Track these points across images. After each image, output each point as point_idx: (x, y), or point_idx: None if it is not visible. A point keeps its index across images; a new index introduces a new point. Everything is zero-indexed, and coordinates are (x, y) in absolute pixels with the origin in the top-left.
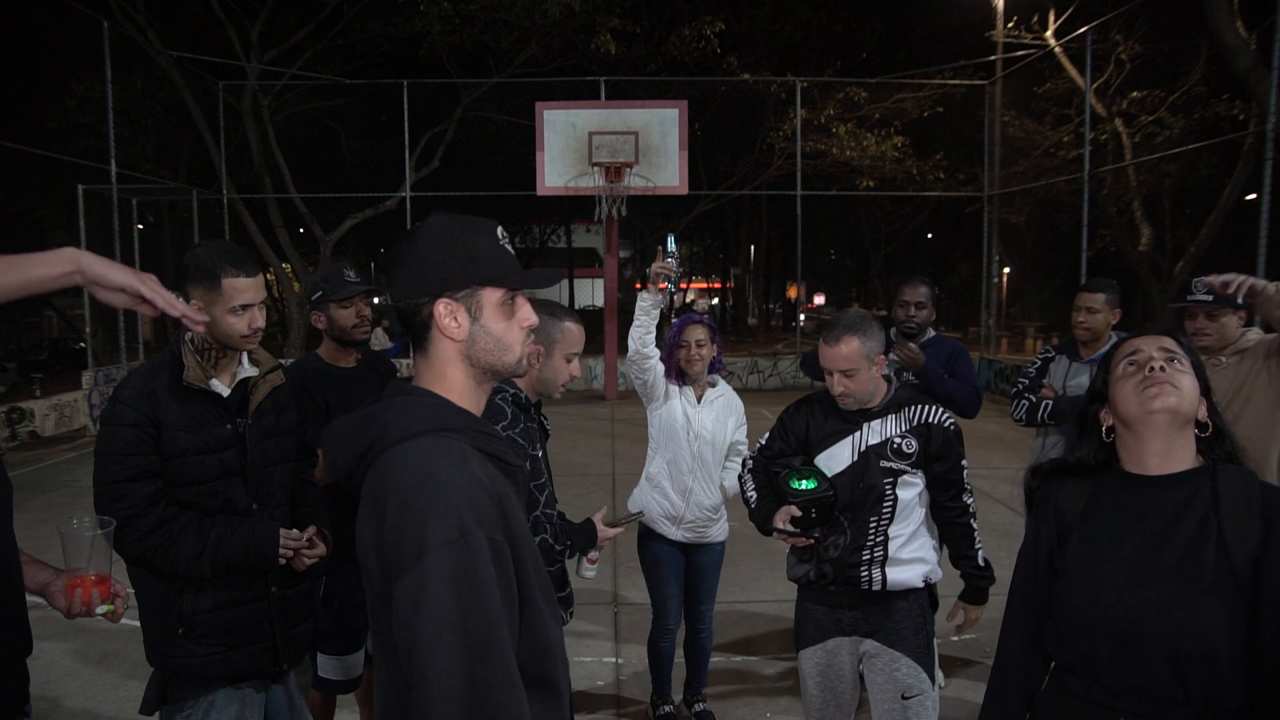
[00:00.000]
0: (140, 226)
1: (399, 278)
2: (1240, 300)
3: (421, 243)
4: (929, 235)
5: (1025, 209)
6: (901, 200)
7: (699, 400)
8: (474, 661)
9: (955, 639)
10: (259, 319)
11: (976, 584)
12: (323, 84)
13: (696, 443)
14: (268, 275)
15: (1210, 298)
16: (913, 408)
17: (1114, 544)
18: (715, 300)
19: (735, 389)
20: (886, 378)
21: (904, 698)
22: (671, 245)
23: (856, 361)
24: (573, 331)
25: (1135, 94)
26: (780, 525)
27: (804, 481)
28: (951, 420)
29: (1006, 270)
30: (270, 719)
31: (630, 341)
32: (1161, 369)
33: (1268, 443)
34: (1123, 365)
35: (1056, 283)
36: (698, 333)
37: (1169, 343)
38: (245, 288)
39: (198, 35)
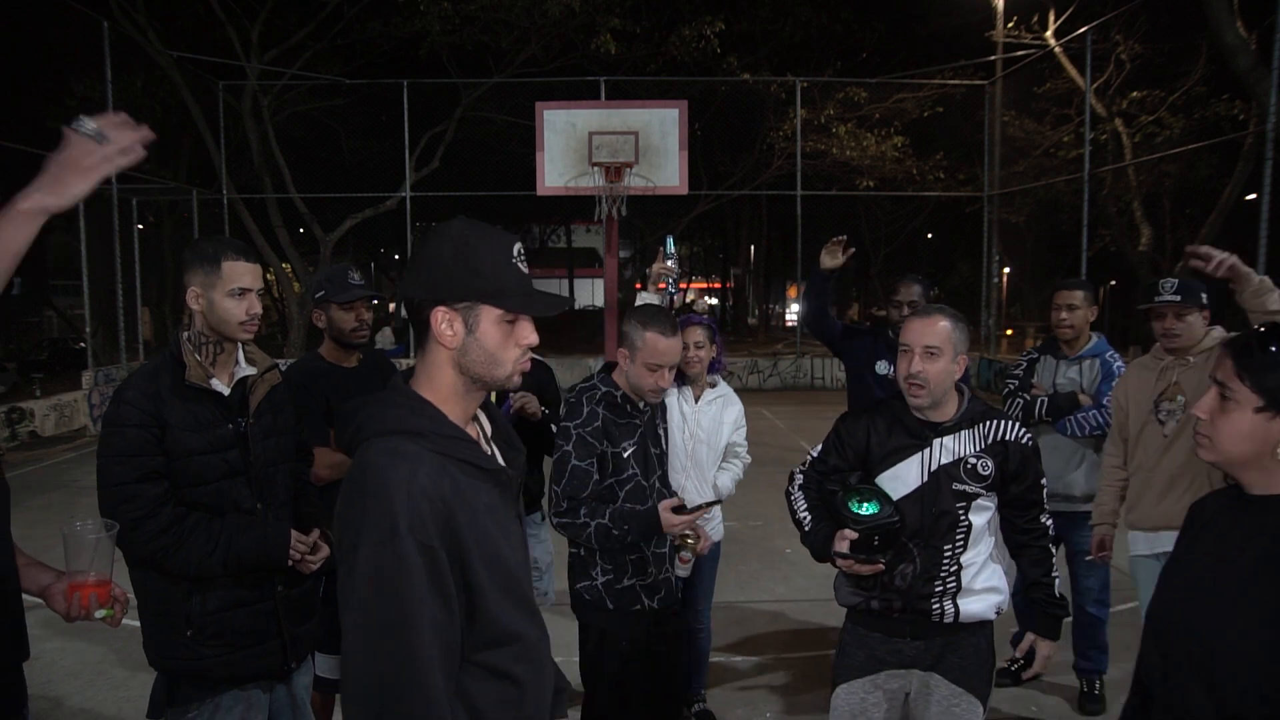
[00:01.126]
0: (140, 226)
1: (410, 274)
2: (1220, 275)
3: (434, 245)
4: (929, 235)
5: (1025, 209)
6: (901, 200)
7: (697, 400)
8: (382, 659)
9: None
10: (257, 305)
11: (1053, 614)
12: (323, 84)
13: (691, 442)
14: (267, 275)
15: (1179, 297)
16: (988, 423)
17: (1193, 561)
18: (714, 300)
19: (735, 389)
20: (959, 389)
21: None
22: (670, 247)
23: (943, 343)
24: (653, 341)
25: (1135, 94)
26: (842, 550)
27: (865, 505)
28: (1029, 436)
29: (1006, 270)
30: (274, 719)
31: None
32: (1202, 420)
33: None
34: None
35: (1056, 283)
36: (696, 334)
37: (1225, 372)
38: (244, 271)
39: (198, 35)
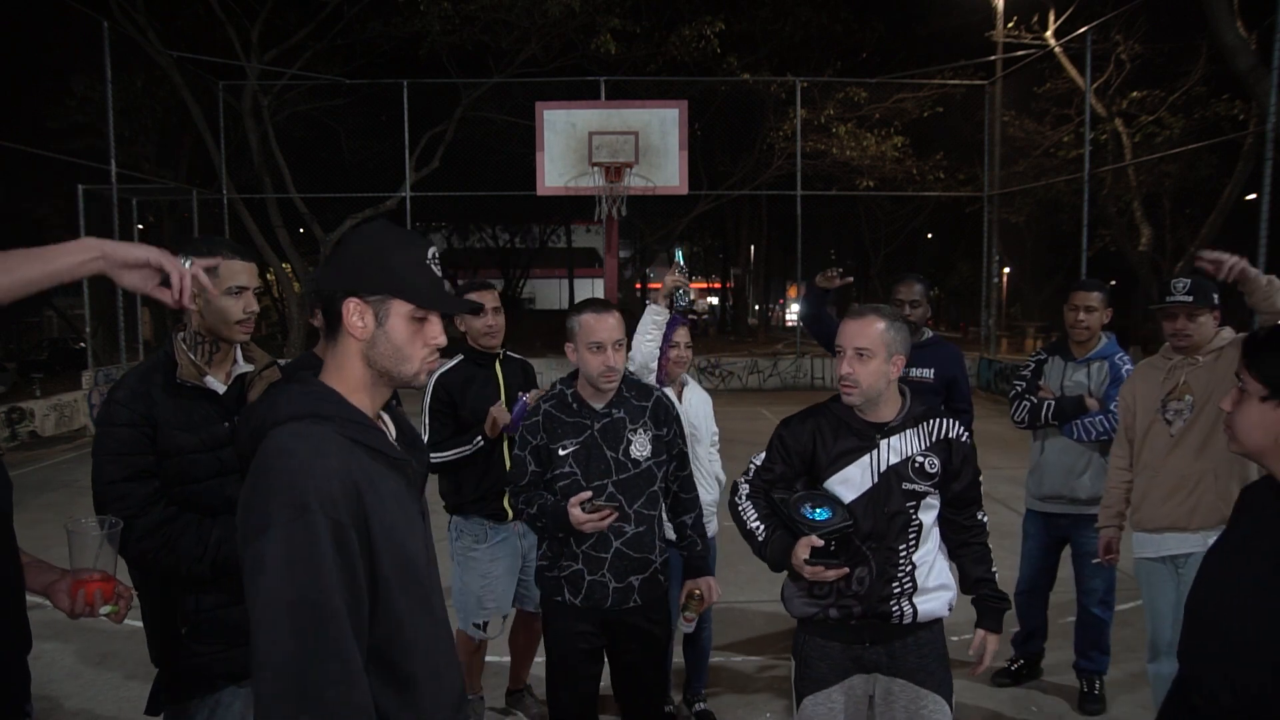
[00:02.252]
0: (140, 226)
1: (326, 266)
2: (1230, 280)
3: (352, 241)
4: (929, 235)
5: (1025, 209)
6: (901, 200)
7: (680, 398)
8: (301, 634)
9: (955, 639)
10: (253, 303)
11: (997, 608)
12: (323, 84)
13: (689, 443)
14: (268, 275)
15: (1190, 298)
16: (931, 422)
17: (1227, 551)
18: (714, 300)
19: (735, 389)
20: (901, 390)
21: None
22: (679, 258)
23: (875, 345)
24: (587, 322)
25: (1135, 94)
26: (805, 558)
27: (817, 511)
28: (968, 434)
29: (1006, 270)
30: None
31: (637, 354)
32: (1226, 412)
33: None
34: None
35: (1056, 283)
36: (685, 335)
37: (1240, 365)
38: (241, 269)
39: (198, 35)
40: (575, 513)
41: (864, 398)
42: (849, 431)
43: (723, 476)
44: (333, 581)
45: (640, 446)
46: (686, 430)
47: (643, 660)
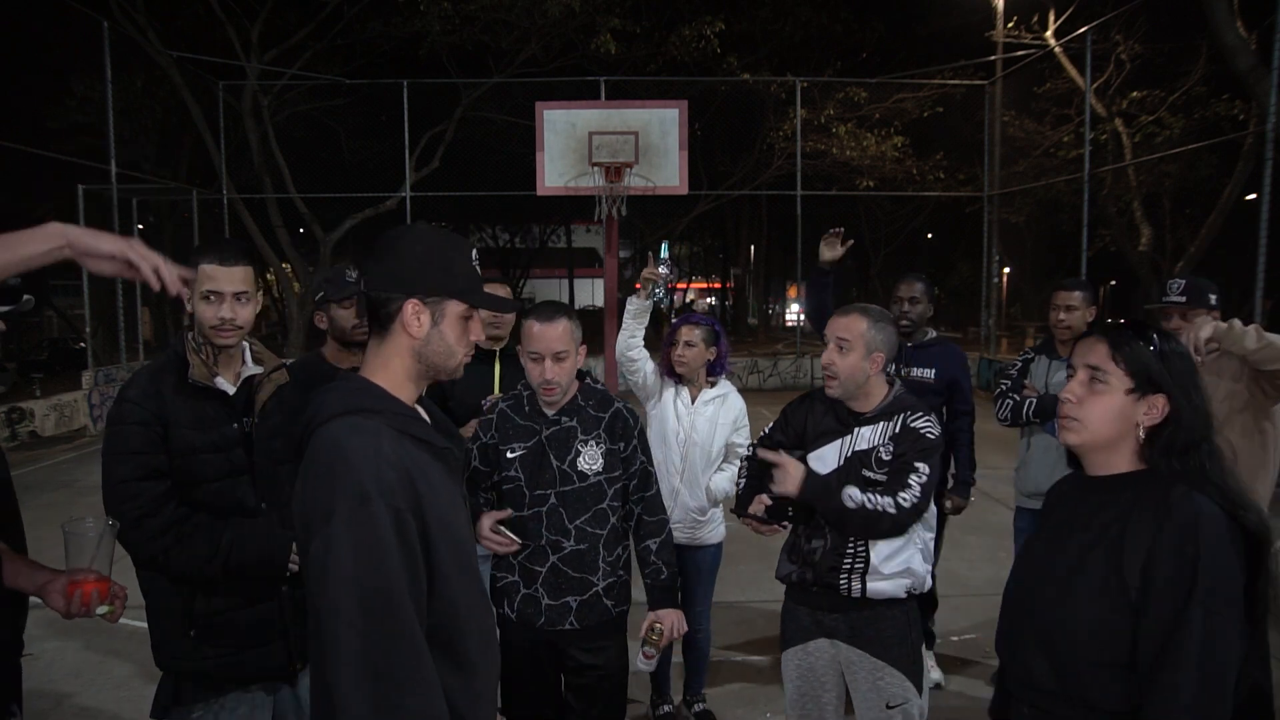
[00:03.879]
0: (140, 226)
1: (377, 270)
2: (1207, 352)
3: (406, 244)
4: (929, 235)
5: (1025, 209)
6: (901, 200)
7: (693, 400)
8: (371, 617)
9: (955, 639)
10: (228, 311)
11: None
12: (323, 84)
13: (685, 445)
14: (267, 275)
15: (1184, 299)
16: (903, 415)
17: (1042, 541)
18: (713, 300)
19: (735, 389)
20: (889, 383)
21: (888, 706)
22: (664, 253)
23: (854, 340)
24: (528, 328)
25: (1135, 94)
26: (756, 511)
27: None
28: (932, 429)
29: (1006, 270)
30: None
31: (617, 345)
32: (1070, 403)
33: (1239, 435)
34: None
35: (1056, 283)
36: (689, 333)
37: (1099, 356)
38: (215, 274)
39: (198, 35)
40: (483, 523)
41: (842, 388)
42: (833, 415)
43: (725, 490)
44: (396, 566)
45: (590, 459)
46: (683, 432)
47: (591, 691)
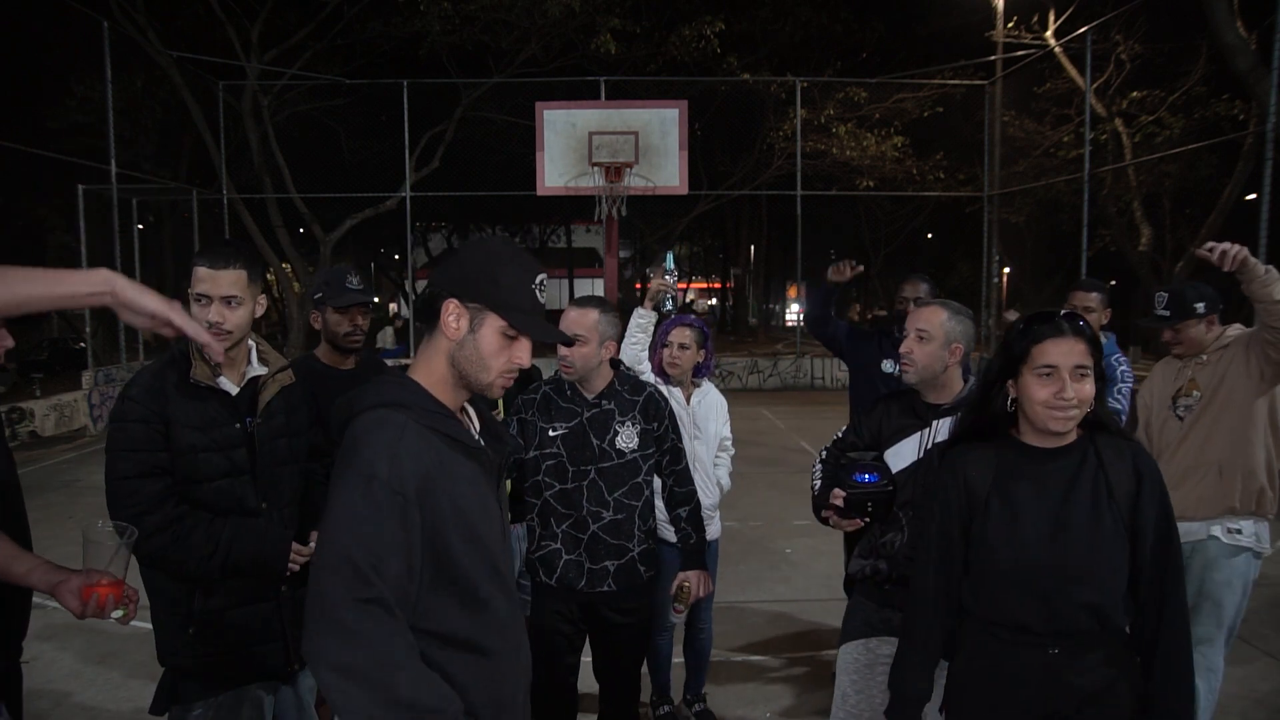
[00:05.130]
0: (140, 226)
1: (440, 267)
2: (1231, 270)
3: (469, 250)
4: (929, 235)
5: (1025, 209)
6: (901, 200)
7: (688, 401)
8: (348, 580)
9: None
10: (215, 314)
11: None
12: (323, 84)
13: (691, 443)
14: (267, 275)
15: (1168, 313)
16: None
17: (1030, 506)
18: (714, 300)
19: (735, 389)
20: (965, 378)
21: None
22: (670, 264)
23: (934, 330)
24: (565, 310)
25: (1135, 94)
26: (835, 503)
27: (868, 475)
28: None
29: (1006, 270)
30: None
31: (624, 356)
32: (1070, 395)
33: (1246, 430)
34: (1039, 370)
35: (1056, 283)
36: (682, 335)
37: (1081, 353)
38: (204, 277)
39: (198, 35)
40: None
41: (919, 376)
42: (910, 411)
43: (726, 483)
44: (383, 542)
45: (627, 438)
46: (689, 430)
47: (620, 646)
